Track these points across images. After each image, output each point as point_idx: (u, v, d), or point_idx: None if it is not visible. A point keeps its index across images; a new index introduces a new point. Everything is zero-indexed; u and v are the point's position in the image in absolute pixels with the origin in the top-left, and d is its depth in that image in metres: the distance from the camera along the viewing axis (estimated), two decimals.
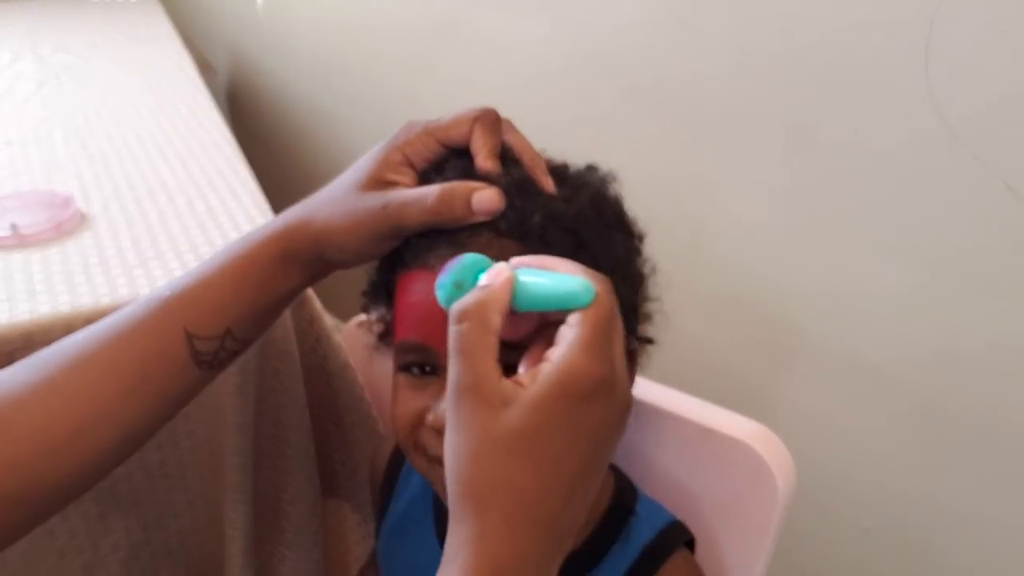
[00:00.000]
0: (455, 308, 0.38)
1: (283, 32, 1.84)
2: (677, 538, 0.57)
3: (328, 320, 0.81)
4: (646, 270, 0.54)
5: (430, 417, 0.48)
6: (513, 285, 0.39)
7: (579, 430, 0.36)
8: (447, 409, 0.38)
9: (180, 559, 0.85)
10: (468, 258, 0.42)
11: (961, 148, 0.67)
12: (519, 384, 0.37)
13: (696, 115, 0.90)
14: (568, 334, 0.37)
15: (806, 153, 0.80)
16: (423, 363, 0.49)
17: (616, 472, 0.61)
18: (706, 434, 0.60)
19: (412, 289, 0.49)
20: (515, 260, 0.41)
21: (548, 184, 0.49)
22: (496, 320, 0.38)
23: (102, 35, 1.64)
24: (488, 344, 0.37)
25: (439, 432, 0.47)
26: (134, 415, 0.50)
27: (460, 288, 0.40)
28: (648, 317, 0.55)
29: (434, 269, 0.47)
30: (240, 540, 0.80)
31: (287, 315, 0.77)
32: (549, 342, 0.39)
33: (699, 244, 0.93)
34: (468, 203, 0.46)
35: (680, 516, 0.59)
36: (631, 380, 0.54)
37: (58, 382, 0.48)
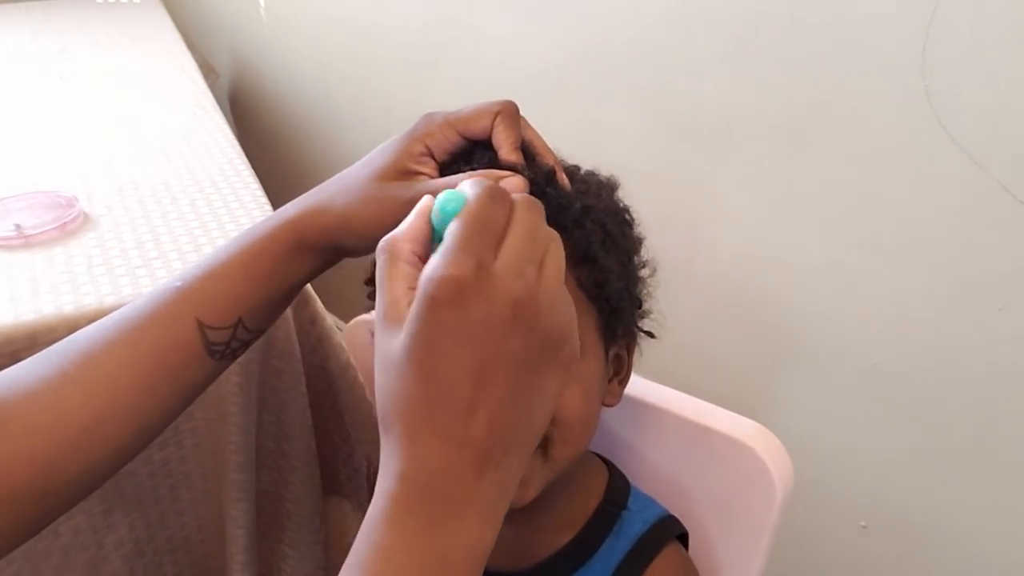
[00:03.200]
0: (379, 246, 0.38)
1: (285, 34, 1.85)
2: (669, 531, 0.57)
3: (329, 320, 0.82)
4: (645, 271, 0.56)
5: None
6: (429, 213, 0.38)
7: (456, 336, 0.34)
8: None
9: (183, 556, 0.86)
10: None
11: (958, 150, 0.67)
12: None
13: (696, 116, 0.90)
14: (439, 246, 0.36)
15: (804, 154, 0.81)
16: None
17: (609, 466, 0.61)
18: (704, 433, 0.60)
19: None
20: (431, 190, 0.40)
21: (564, 182, 0.50)
22: (405, 247, 0.37)
23: (105, 37, 1.65)
24: (397, 272, 0.36)
25: None
26: (149, 406, 0.50)
27: None
28: (646, 313, 0.57)
29: None
30: (242, 538, 0.80)
31: (289, 315, 0.77)
32: None
33: (698, 245, 0.94)
34: None
35: (678, 515, 0.60)
36: (629, 371, 0.55)
37: (72, 375, 0.48)
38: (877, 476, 0.85)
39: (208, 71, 1.75)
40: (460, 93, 1.29)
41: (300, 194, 0.54)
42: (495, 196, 0.37)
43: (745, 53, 0.83)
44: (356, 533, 0.47)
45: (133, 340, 0.50)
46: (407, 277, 0.36)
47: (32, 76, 1.42)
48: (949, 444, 0.77)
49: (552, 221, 0.46)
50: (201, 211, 0.92)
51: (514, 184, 0.46)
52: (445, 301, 0.34)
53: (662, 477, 0.63)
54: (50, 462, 0.47)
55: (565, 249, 0.42)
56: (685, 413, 0.61)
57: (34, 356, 0.50)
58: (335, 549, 0.88)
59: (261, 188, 0.98)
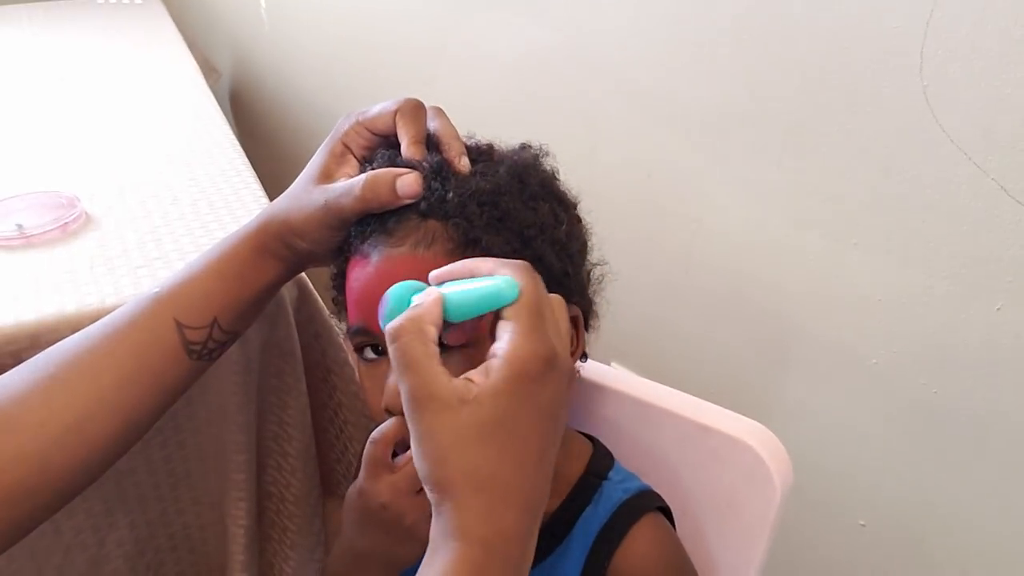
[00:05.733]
0: (388, 329, 0.40)
1: (286, 33, 1.85)
2: (650, 502, 0.58)
3: (329, 318, 0.82)
4: (584, 236, 0.56)
5: (381, 404, 0.50)
6: (443, 301, 0.41)
7: (536, 409, 0.39)
8: (408, 422, 0.39)
9: (184, 555, 0.86)
10: (393, 295, 0.43)
11: (956, 149, 0.67)
12: (471, 381, 0.39)
13: (694, 116, 0.90)
14: (507, 327, 0.40)
15: (802, 154, 0.81)
16: (371, 345, 0.52)
17: (594, 442, 0.62)
18: (704, 432, 0.60)
19: (351, 276, 0.52)
20: (434, 274, 0.43)
21: (462, 166, 0.52)
22: (431, 331, 0.40)
23: (106, 37, 1.65)
24: (429, 352, 0.39)
25: (388, 412, 0.49)
26: (132, 404, 0.52)
27: None
28: (590, 279, 0.57)
29: (368, 257, 0.50)
30: (243, 537, 0.81)
31: (290, 315, 0.77)
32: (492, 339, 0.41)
33: (696, 244, 0.94)
34: (393, 189, 0.49)
35: (678, 513, 0.60)
36: (581, 343, 0.56)
37: (58, 377, 0.51)
38: (876, 475, 0.85)
39: (209, 71, 1.75)
40: (461, 92, 1.29)
41: None
42: (536, 278, 0.41)
43: (743, 50, 0.83)
44: None
45: (115, 342, 0.53)
46: (437, 357, 0.39)
47: (33, 76, 1.42)
48: (948, 443, 0.77)
49: (437, 212, 0.50)
50: (202, 211, 0.92)
51: (411, 180, 0.49)
52: (530, 379, 0.38)
53: (662, 476, 0.63)
54: (39, 460, 0.49)
55: (449, 240, 0.49)
56: (684, 412, 0.62)
57: (23, 363, 0.52)
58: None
59: (262, 188, 0.98)
